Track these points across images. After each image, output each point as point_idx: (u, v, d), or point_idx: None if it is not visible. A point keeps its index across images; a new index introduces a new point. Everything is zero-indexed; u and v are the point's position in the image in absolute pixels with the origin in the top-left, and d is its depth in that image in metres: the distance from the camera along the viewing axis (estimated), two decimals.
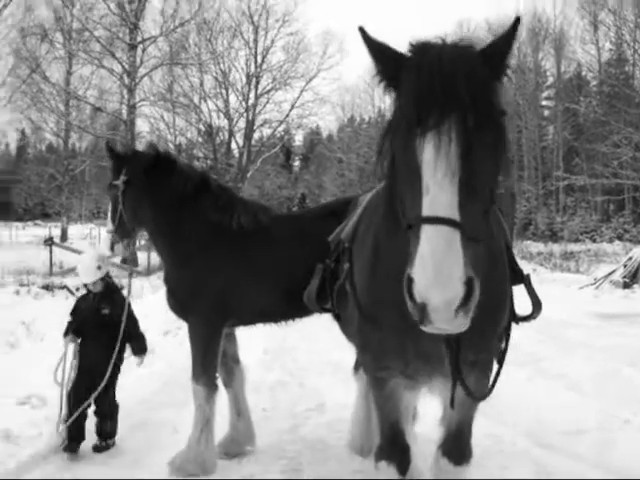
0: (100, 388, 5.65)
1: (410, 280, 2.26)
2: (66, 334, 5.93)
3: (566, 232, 47.13)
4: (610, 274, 19.70)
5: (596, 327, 12.24)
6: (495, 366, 3.53)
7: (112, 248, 5.59)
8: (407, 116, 2.45)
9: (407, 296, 2.28)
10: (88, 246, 30.54)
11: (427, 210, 2.31)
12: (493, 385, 3.43)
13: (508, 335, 3.50)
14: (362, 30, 2.69)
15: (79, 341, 5.97)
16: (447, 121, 2.34)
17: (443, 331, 2.32)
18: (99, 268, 5.92)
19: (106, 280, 6.06)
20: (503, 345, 3.53)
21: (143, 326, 6.23)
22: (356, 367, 5.84)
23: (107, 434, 5.88)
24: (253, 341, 6.80)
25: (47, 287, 18.51)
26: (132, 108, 26.22)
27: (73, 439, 5.68)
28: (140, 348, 6.06)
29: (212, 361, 5.34)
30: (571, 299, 16.57)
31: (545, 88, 63.37)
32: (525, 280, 3.79)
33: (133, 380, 7.57)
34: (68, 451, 5.61)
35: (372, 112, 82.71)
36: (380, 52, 2.68)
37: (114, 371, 5.83)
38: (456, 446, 3.65)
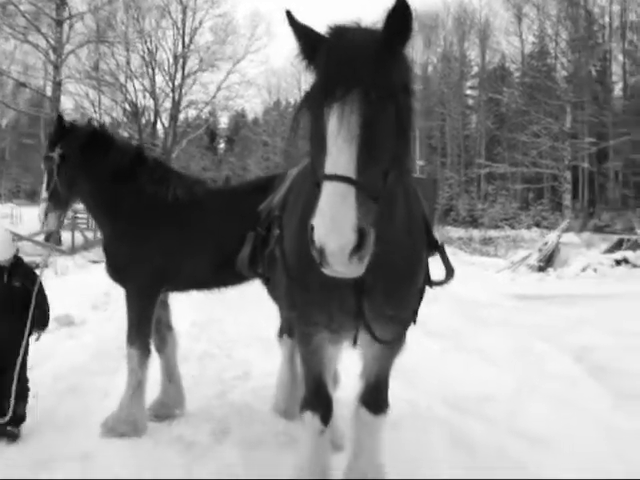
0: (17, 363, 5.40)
1: (312, 228, 2.62)
2: None
3: (486, 219, 48.21)
4: (526, 258, 20.52)
5: (513, 307, 12.80)
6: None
7: (45, 216, 5.60)
8: (318, 89, 2.85)
9: (310, 242, 2.64)
10: (7, 224, 29.82)
11: (328, 169, 2.69)
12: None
13: (421, 297, 3.87)
14: (288, 13, 3.04)
15: None
16: (349, 95, 2.72)
17: (341, 274, 2.70)
18: (13, 240, 5.75)
19: (15, 253, 5.76)
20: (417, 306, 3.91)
21: (72, 302, 6.37)
22: (280, 333, 6.18)
23: (19, 418, 5.46)
24: (181, 313, 6.98)
25: None
26: (57, 85, 25.80)
27: (8, 423, 5.36)
28: (42, 322, 5.71)
29: (146, 326, 5.62)
30: (489, 281, 17.24)
31: (470, 77, 64.67)
32: (440, 248, 4.14)
33: (63, 351, 7.71)
34: (6, 437, 5.36)
35: (298, 96, 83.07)
36: (302, 33, 3.04)
37: (25, 347, 5.59)
38: (374, 397, 4.02)
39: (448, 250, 11.91)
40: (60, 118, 5.85)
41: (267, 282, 4.81)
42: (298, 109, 3.03)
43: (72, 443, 5.24)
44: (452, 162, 60.45)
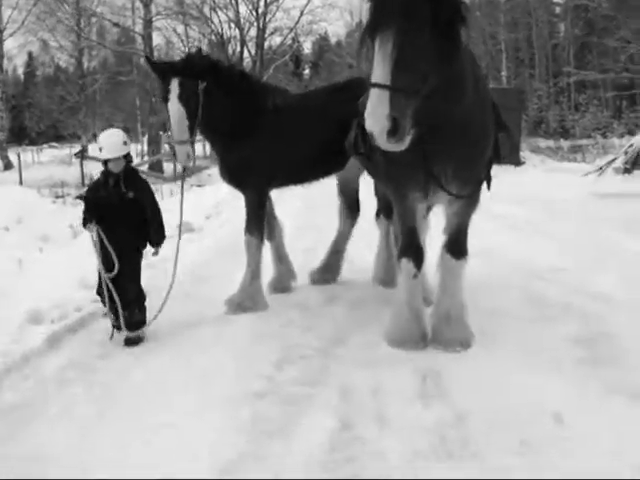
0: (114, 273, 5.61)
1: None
2: (87, 222, 5.71)
3: (578, 129, 47.12)
4: (612, 161, 20.70)
5: (591, 203, 13.45)
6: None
7: (188, 157, 6.06)
8: (368, 24, 4.03)
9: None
10: None
11: (372, 79, 3.89)
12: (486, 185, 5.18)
13: (491, 163, 4.95)
14: None
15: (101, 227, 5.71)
16: (388, 28, 3.86)
17: (389, 148, 4.01)
18: (125, 144, 5.75)
19: (128, 159, 5.81)
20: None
21: (188, 215, 7.39)
22: (377, 215, 7.30)
23: (137, 323, 5.67)
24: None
25: (80, 197, 19.69)
26: (148, 22, 27.08)
27: (128, 327, 5.62)
28: (159, 238, 5.89)
29: (261, 218, 6.65)
30: (573, 183, 17.72)
31: None
32: (506, 129, 5.18)
33: (188, 251, 8.92)
34: (129, 344, 5.60)
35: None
36: None
37: (138, 258, 5.88)
38: (455, 246, 5.13)
39: (536, 159, 13.08)
40: (200, 51, 6.62)
41: (368, 159, 5.82)
42: (360, 39, 4.15)
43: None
44: (540, 73, 58.77)
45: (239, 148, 6.44)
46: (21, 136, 57.28)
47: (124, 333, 5.58)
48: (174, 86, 5.92)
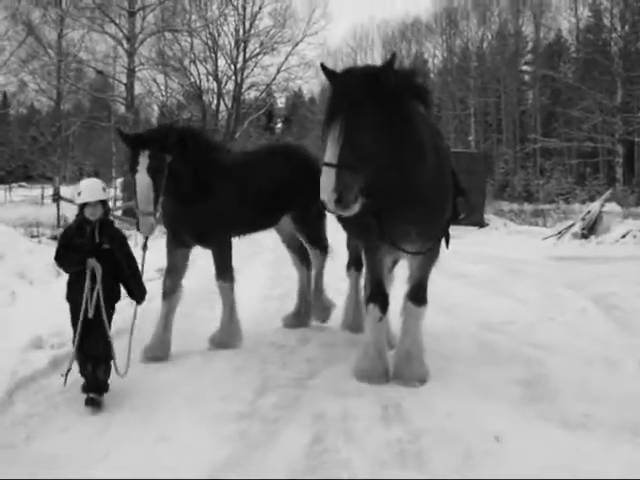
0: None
1: None
2: (59, 258, 5.52)
3: (542, 194, 48.44)
4: (570, 227, 21.78)
5: (548, 265, 14.33)
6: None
7: (152, 228, 6.20)
8: (325, 114, 4.97)
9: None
10: None
11: (324, 158, 4.77)
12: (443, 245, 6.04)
13: (449, 223, 5.74)
14: (322, 66, 5.15)
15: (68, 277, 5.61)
16: (337, 117, 4.79)
17: (338, 213, 4.98)
18: (104, 190, 5.61)
19: (106, 209, 5.66)
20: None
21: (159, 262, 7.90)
22: (348, 267, 8.06)
23: (99, 386, 5.31)
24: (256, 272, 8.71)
25: (55, 238, 20.13)
26: (132, 72, 28.01)
27: (90, 389, 5.28)
28: (141, 292, 5.76)
29: (230, 265, 7.25)
30: (533, 246, 18.71)
31: (525, 53, 64.19)
32: (463, 192, 6.00)
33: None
34: (88, 405, 5.22)
35: None
36: (329, 74, 5.13)
37: (111, 311, 5.56)
38: (417, 294, 5.92)
39: (499, 221, 14.21)
40: (171, 127, 7.08)
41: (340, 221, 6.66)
42: (322, 127, 5.12)
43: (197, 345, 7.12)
44: (507, 138, 60.53)
45: (202, 209, 6.83)
46: None
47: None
48: (143, 158, 6.09)
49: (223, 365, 6.40)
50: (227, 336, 7.16)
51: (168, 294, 7.00)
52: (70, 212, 24.39)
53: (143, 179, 6.07)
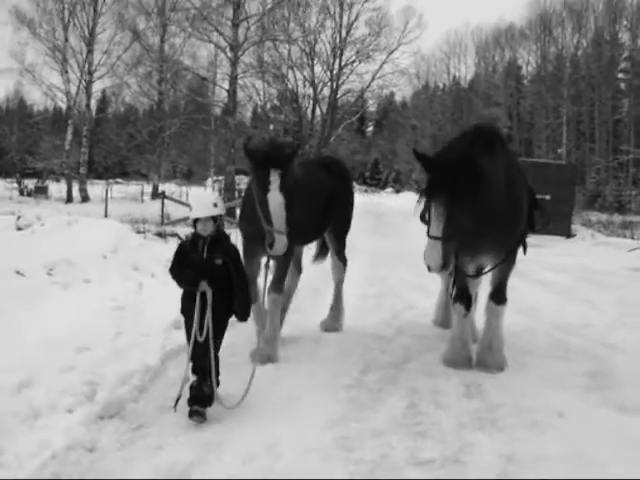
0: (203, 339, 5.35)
1: None
2: (174, 269, 5.59)
3: (633, 205, 47.87)
4: None
5: (628, 276, 14.99)
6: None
7: (285, 249, 6.30)
8: (426, 190, 6.12)
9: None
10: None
11: (429, 232, 5.99)
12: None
13: (523, 236, 6.87)
14: (415, 151, 6.25)
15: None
16: (439, 198, 5.89)
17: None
18: (215, 206, 5.48)
19: (218, 223, 5.54)
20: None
21: None
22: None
23: (203, 399, 5.32)
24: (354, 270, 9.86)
25: (160, 234, 21.56)
26: (234, 79, 29.57)
27: (195, 402, 5.29)
28: (244, 312, 5.64)
29: (285, 278, 7.53)
30: (616, 257, 19.24)
31: (621, 61, 62.99)
32: (539, 206, 7.05)
33: None
34: (193, 417, 5.24)
35: (447, 80, 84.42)
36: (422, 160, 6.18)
37: (223, 328, 5.62)
38: (497, 294, 6.99)
39: (586, 232, 15.23)
40: (296, 149, 6.90)
41: None
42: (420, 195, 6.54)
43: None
44: (600, 147, 59.78)
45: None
46: (89, 170, 59.41)
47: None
48: (275, 177, 6.21)
49: (332, 350, 7.59)
50: (271, 349, 7.09)
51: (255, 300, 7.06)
52: (173, 210, 26.19)
53: (276, 198, 6.17)
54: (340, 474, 4.37)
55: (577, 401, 5.96)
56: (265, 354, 6.85)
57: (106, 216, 25.08)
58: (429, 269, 5.90)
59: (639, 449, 4.92)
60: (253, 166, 6.46)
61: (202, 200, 5.61)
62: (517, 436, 5.10)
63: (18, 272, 9.64)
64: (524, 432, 5.21)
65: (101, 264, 11.68)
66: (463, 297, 7.05)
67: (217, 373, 5.43)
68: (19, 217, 16.17)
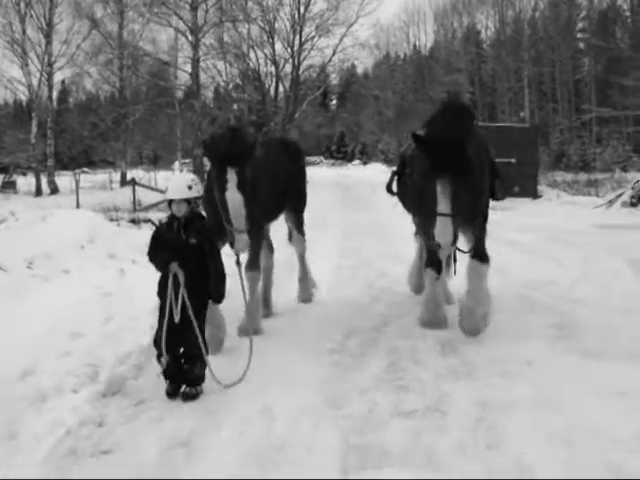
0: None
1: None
2: (152, 255, 5.75)
3: (598, 163, 48.31)
4: (619, 195, 22.78)
5: (593, 233, 15.53)
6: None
7: (246, 247, 6.34)
8: (430, 167, 6.24)
9: None
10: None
11: (438, 209, 6.14)
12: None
13: (487, 204, 7.30)
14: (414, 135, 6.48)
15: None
16: (444, 176, 6.07)
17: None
18: (189, 188, 5.58)
19: (192, 206, 5.66)
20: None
21: None
22: (415, 234, 9.33)
23: (196, 379, 5.57)
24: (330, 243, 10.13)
25: (133, 221, 21.66)
26: (196, 62, 29.78)
27: (188, 383, 5.56)
28: (218, 294, 5.77)
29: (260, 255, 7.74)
30: (581, 215, 19.82)
31: (579, 20, 63.11)
32: (500, 176, 7.40)
33: None
34: (186, 399, 5.46)
35: (407, 49, 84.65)
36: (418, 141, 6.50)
37: (204, 309, 5.76)
38: (479, 252, 7.19)
39: (552, 192, 15.77)
40: (255, 143, 6.72)
41: (401, 199, 8.37)
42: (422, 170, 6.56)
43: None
44: (563, 108, 60.44)
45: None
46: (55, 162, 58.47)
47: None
48: (232, 175, 6.15)
49: (314, 320, 8.00)
50: (256, 323, 7.29)
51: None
52: (144, 196, 26.30)
53: (234, 197, 6.11)
54: (331, 431, 4.77)
55: (545, 350, 6.43)
56: (250, 327, 6.80)
57: (78, 207, 24.97)
58: (439, 246, 6.12)
59: (601, 390, 5.37)
60: (211, 165, 6.61)
61: (176, 182, 5.74)
62: (490, 384, 5.57)
63: None
64: (497, 380, 5.67)
65: (79, 254, 11.90)
66: (434, 262, 7.42)
67: (203, 355, 5.57)
68: None
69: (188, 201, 5.60)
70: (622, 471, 4.06)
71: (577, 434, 4.54)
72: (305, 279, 9.17)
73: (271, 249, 8.90)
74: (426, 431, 4.69)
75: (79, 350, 6.38)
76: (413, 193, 7.65)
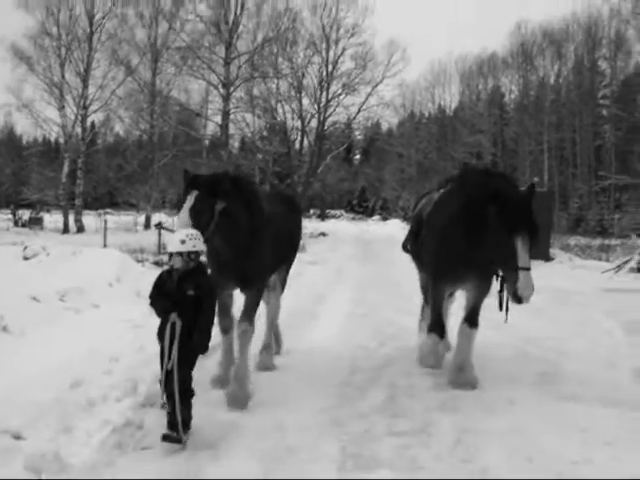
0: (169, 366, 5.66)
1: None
2: (154, 301, 5.91)
3: (616, 228, 48.68)
4: (627, 261, 23.52)
5: (596, 296, 16.31)
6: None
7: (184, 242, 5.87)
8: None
9: None
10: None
11: (524, 264, 6.67)
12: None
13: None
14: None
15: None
16: (522, 231, 6.56)
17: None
18: (182, 242, 5.74)
19: (186, 260, 5.80)
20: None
21: None
22: (422, 308, 9.63)
23: (174, 424, 5.60)
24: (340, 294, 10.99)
25: (157, 263, 22.56)
26: (226, 114, 31.18)
27: (168, 426, 5.63)
28: (203, 345, 5.80)
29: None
30: (588, 279, 20.56)
31: (602, 87, 63.53)
32: None
33: None
34: (165, 440, 5.55)
35: (432, 109, 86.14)
36: None
37: (192, 357, 5.83)
38: (471, 318, 7.83)
39: (564, 256, 16.40)
40: (227, 175, 6.97)
41: (415, 257, 9.04)
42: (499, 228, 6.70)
43: None
44: (582, 173, 61.05)
45: (250, 256, 6.96)
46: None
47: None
48: (190, 198, 6.23)
49: (324, 359, 8.87)
50: (245, 387, 6.91)
51: (227, 331, 7.52)
52: (169, 240, 27.17)
53: (183, 218, 6.15)
54: (333, 443, 5.71)
55: (526, 393, 7.30)
56: (241, 396, 6.75)
57: (105, 246, 26.05)
58: (521, 300, 6.74)
59: (566, 426, 6.24)
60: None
61: (174, 237, 5.89)
62: (472, 416, 6.47)
63: (34, 298, 10.67)
64: (479, 413, 6.57)
65: (107, 291, 12.82)
66: (437, 327, 7.87)
67: (187, 402, 5.73)
68: (26, 247, 17.01)
69: (181, 254, 5.78)
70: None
71: (537, 455, 5.46)
72: (269, 347, 8.59)
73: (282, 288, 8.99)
74: (412, 446, 5.63)
75: (119, 370, 7.36)
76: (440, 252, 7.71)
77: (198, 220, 6.10)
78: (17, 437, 5.43)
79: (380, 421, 6.26)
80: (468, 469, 5.18)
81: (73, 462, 5.10)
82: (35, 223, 45.89)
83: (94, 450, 5.33)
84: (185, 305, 5.68)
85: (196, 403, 6.02)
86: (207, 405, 6.47)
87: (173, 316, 5.66)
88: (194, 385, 5.85)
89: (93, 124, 54.03)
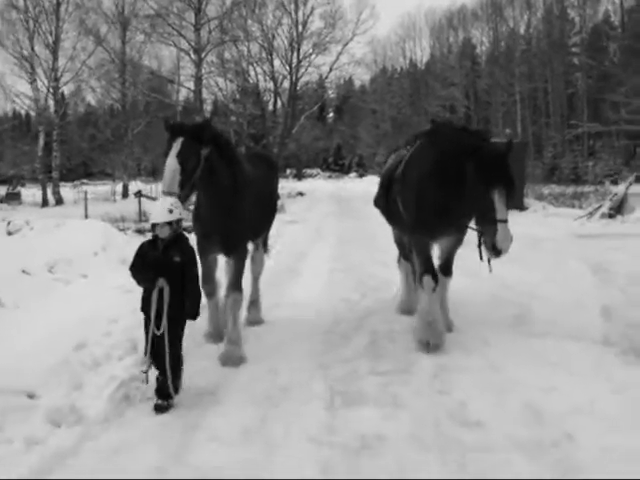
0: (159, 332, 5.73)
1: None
2: (134, 269, 5.96)
3: (590, 176, 49.08)
4: (599, 207, 24.10)
5: (569, 242, 16.90)
6: None
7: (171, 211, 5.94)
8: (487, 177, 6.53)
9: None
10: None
11: (500, 217, 6.56)
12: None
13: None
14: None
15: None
16: (499, 184, 6.46)
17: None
18: (170, 212, 5.82)
19: (175, 228, 5.90)
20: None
21: None
22: (398, 260, 9.87)
23: (169, 393, 5.77)
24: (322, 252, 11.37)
25: (139, 231, 22.74)
26: (199, 80, 31.26)
27: (158, 395, 5.81)
28: (195, 311, 5.96)
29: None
30: (562, 226, 21.12)
31: (572, 35, 63.99)
32: None
33: None
34: (157, 410, 5.73)
35: (404, 63, 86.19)
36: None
37: (182, 323, 5.95)
38: (445, 268, 8.26)
39: (538, 204, 16.71)
40: (209, 122, 7.07)
41: (386, 214, 9.19)
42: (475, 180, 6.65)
43: None
44: (555, 122, 61.53)
45: (234, 218, 7.11)
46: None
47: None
48: (176, 144, 6.28)
49: (309, 312, 9.37)
50: (239, 349, 7.22)
51: (211, 295, 7.77)
52: (150, 207, 27.44)
53: (171, 163, 6.20)
54: (322, 383, 6.31)
55: (501, 333, 7.87)
56: (235, 356, 7.08)
57: (86, 217, 26.14)
58: (499, 253, 6.75)
59: (536, 360, 6.82)
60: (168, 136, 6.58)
61: (159, 207, 5.94)
62: (450, 355, 7.06)
63: (24, 271, 10.95)
64: (457, 353, 7.15)
65: (93, 260, 13.04)
66: (429, 269, 7.68)
67: (178, 369, 5.90)
68: (9, 222, 16.99)
69: (170, 223, 5.86)
70: (535, 407, 5.58)
71: (508, 386, 6.05)
72: (257, 302, 8.98)
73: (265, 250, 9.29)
74: (394, 383, 6.22)
75: (118, 331, 7.81)
76: (418, 208, 7.70)
77: (185, 165, 6.21)
78: (31, 396, 5.88)
79: (364, 363, 6.84)
80: (445, 401, 5.74)
81: (88, 414, 5.61)
82: (13, 198, 45.57)
83: (104, 402, 5.83)
84: (172, 271, 5.77)
85: (193, 356, 6.56)
86: (205, 359, 7.08)
87: (161, 281, 5.73)
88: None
89: (63, 95, 53.75)
